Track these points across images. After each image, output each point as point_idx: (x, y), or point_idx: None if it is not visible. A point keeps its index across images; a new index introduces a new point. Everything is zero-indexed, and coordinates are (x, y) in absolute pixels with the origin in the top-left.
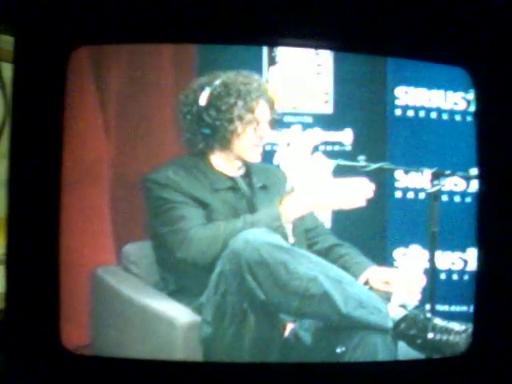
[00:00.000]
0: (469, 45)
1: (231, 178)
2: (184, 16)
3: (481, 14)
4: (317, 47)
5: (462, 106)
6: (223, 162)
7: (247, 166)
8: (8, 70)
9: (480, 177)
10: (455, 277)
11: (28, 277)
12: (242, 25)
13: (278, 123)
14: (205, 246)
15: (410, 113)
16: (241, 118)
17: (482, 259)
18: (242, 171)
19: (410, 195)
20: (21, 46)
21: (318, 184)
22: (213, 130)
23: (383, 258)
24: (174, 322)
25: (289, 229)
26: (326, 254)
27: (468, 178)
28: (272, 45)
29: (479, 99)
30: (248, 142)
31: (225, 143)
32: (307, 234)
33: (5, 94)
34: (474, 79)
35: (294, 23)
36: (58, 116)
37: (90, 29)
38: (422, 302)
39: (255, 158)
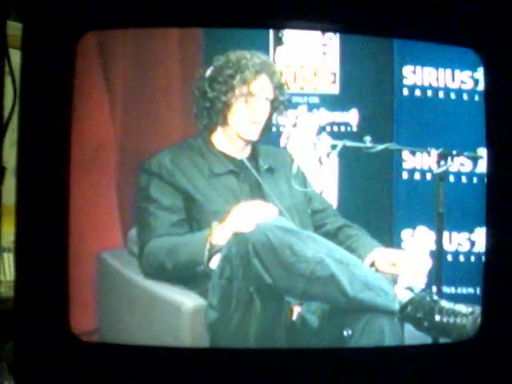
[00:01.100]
0: (478, 25)
1: (234, 160)
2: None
3: None
4: (323, 30)
5: (469, 84)
6: (225, 142)
7: (253, 147)
8: (16, 56)
9: (488, 157)
10: (462, 258)
11: (37, 264)
12: (248, 8)
13: (284, 106)
14: (161, 258)
15: (418, 92)
16: (233, 89)
17: (490, 240)
18: (247, 153)
19: (417, 176)
20: (29, 32)
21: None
22: (211, 102)
23: (390, 240)
24: (180, 306)
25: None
26: (334, 235)
27: (475, 159)
28: (278, 27)
29: (488, 79)
30: (242, 116)
31: (220, 117)
32: (315, 216)
33: (13, 80)
34: (483, 60)
35: (300, 5)
36: (66, 102)
37: (97, 14)
38: (429, 284)
39: (252, 135)
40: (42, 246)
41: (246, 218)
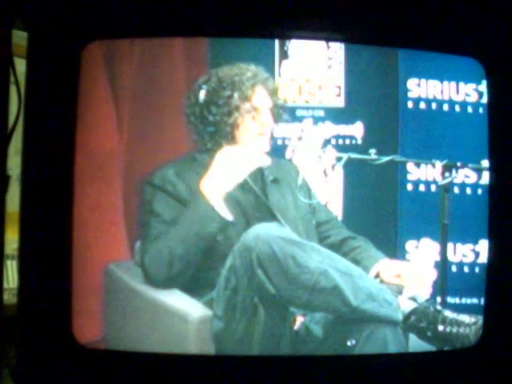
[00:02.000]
0: (482, 35)
1: None
2: (196, 9)
3: (493, 5)
4: (328, 40)
5: (474, 97)
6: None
7: None
8: (22, 65)
9: (491, 169)
10: (466, 269)
11: (40, 272)
12: (254, 17)
13: (283, 110)
14: (167, 252)
15: (422, 105)
16: (238, 109)
17: (493, 252)
18: None
19: (422, 188)
20: (34, 41)
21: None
22: (215, 126)
23: (395, 251)
24: (186, 316)
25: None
26: (338, 246)
27: (479, 170)
28: (283, 37)
29: (491, 90)
30: (250, 131)
31: (229, 137)
32: (319, 227)
33: (18, 88)
34: (486, 70)
35: (306, 15)
36: (71, 111)
37: (102, 23)
38: (433, 295)
39: (263, 147)
40: (46, 253)
41: (230, 162)
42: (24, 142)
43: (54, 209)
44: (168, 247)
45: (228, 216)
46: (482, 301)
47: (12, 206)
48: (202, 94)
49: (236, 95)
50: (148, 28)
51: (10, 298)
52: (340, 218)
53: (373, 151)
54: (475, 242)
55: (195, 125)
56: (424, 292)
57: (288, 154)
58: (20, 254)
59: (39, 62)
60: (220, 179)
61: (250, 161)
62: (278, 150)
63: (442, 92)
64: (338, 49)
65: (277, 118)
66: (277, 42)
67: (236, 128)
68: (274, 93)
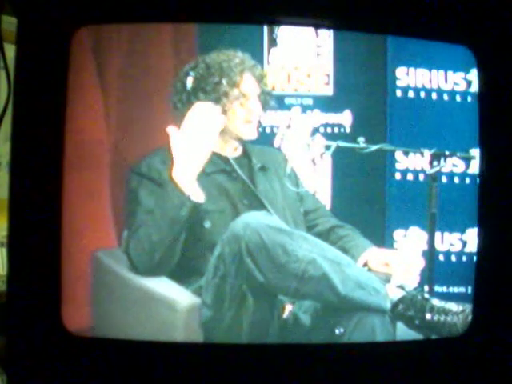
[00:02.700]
0: (473, 22)
1: (226, 159)
2: None
3: None
4: (316, 25)
5: (462, 86)
6: (219, 143)
7: (246, 147)
8: (11, 51)
9: (480, 157)
10: (454, 258)
11: (30, 259)
12: (241, 3)
13: (270, 97)
14: (139, 256)
15: (411, 94)
16: (226, 95)
17: (481, 240)
18: (239, 152)
19: (410, 177)
20: (23, 26)
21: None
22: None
23: (383, 240)
24: (174, 304)
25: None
26: (326, 235)
27: (468, 159)
28: (271, 23)
29: (482, 78)
30: (238, 118)
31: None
32: (307, 216)
33: (8, 74)
34: (477, 57)
35: (294, 1)
36: (60, 97)
37: (91, 9)
38: (421, 283)
39: (251, 134)
40: (35, 240)
41: (190, 144)
42: (13, 129)
43: (43, 196)
44: (147, 235)
45: (199, 198)
46: (470, 289)
47: (1, 193)
48: (190, 81)
49: (224, 81)
50: (136, 13)
51: (0, 285)
52: (328, 206)
53: (361, 140)
54: (463, 231)
55: (182, 112)
56: (412, 280)
57: (276, 142)
58: (9, 241)
59: (28, 48)
60: (184, 162)
61: (207, 139)
62: (266, 138)
63: (430, 81)
64: (327, 37)
65: (264, 105)
66: (265, 29)
67: (224, 114)
68: (261, 79)
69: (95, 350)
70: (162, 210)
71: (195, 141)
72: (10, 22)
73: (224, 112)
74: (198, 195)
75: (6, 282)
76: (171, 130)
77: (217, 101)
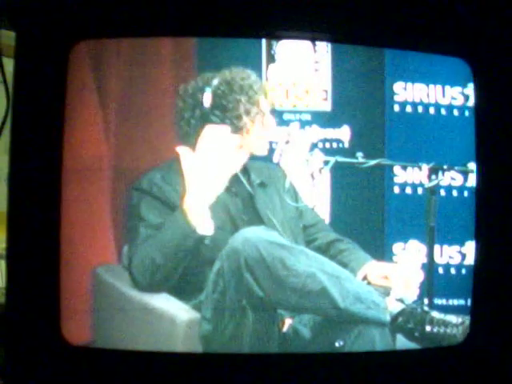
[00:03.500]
0: (470, 36)
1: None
2: (182, 9)
3: (482, 5)
4: (315, 39)
5: (459, 100)
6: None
7: (245, 163)
8: (10, 65)
9: (478, 171)
10: (453, 271)
11: (28, 272)
12: (240, 17)
13: (274, 118)
14: (149, 260)
15: (409, 108)
16: (248, 113)
17: (479, 253)
18: (239, 168)
19: (409, 190)
20: (22, 40)
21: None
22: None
23: (382, 253)
24: (174, 319)
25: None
26: (326, 249)
27: (465, 173)
28: (270, 37)
29: (479, 91)
30: (254, 135)
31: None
32: (306, 230)
33: (7, 89)
34: (474, 71)
35: (292, 14)
36: (58, 111)
37: (90, 23)
38: (420, 296)
39: (263, 150)
40: (34, 253)
41: (206, 176)
42: (12, 143)
43: (43, 209)
44: (150, 255)
45: (206, 231)
46: (469, 302)
47: (0, 206)
48: (207, 97)
49: (244, 99)
50: (135, 28)
51: None
52: (327, 221)
53: (360, 155)
54: (461, 244)
55: (195, 128)
56: (411, 293)
57: (275, 158)
58: (8, 254)
59: (27, 62)
60: (198, 193)
61: (226, 169)
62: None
63: (428, 95)
64: (325, 52)
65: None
66: (264, 45)
67: (245, 132)
68: (268, 97)
69: (94, 361)
70: (168, 235)
71: (213, 170)
72: (9, 36)
73: (240, 130)
74: (206, 227)
75: (4, 294)
76: (184, 152)
77: (238, 118)
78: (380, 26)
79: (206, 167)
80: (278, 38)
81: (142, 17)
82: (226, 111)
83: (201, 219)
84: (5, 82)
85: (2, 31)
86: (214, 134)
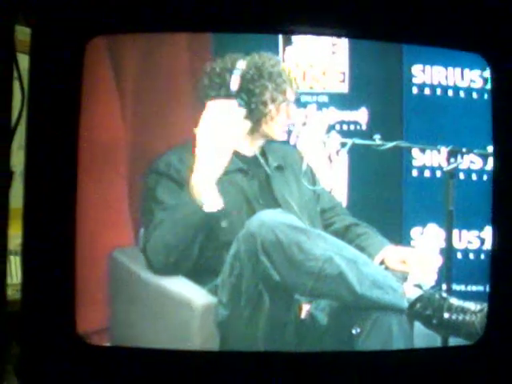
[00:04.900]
0: (484, 30)
1: (243, 158)
2: (198, 4)
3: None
4: (332, 35)
5: (479, 83)
6: (242, 143)
7: (263, 145)
8: (25, 61)
9: (495, 155)
10: (472, 256)
11: (44, 267)
12: (257, 13)
13: (297, 101)
14: (156, 256)
15: (427, 91)
16: (274, 100)
17: (497, 238)
18: (256, 151)
19: (427, 174)
20: (37, 36)
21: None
22: (246, 113)
23: (400, 238)
24: (190, 303)
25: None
26: (343, 233)
27: (485, 156)
28: (286, 33)
29: (495, 82)
30: (277, 122)
31: (257, 126)
32: (324, 214)
33: (22, 85)
34: (490, 63)
35: (309, 11)
36: (74, 106)
37: (106, 18)
38: (439, 282)
39: (282, 136)
40: (49, 248)
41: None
42: (27, 138)
43: (58, 203)
44: (162, 237)
45: (212, 207)
46: (488, 288)
47: (15, 203)
48: (235, 79)
49: (271, 86)
50: (151, 23)
51: (13, 293)
52: (344, 204)
53: (377, 137)
54: (481, 229)
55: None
56: (429, 279)
57: (292, 140)
58: (23, 249)
59: (42, 58)
60: (203, 169)
61: (229, 142)
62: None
63: (446, 78)
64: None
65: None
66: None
67: (270, 119)
68: (291, 85)
69: (109, 357)
70: (177, 213)
71: (219, 144)
72: (24, 32)
73: (270, 117)
74: (212, 203)
75: (20, 290)
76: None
77: (263, 104)
78: (396, 21)
79: (210, 141)
80: (294, 33)
81: (157, 12)
82: (253, 96)
83: (207, 195)
84: (20, 78)
85: (16, 27)
86: (219, 108)
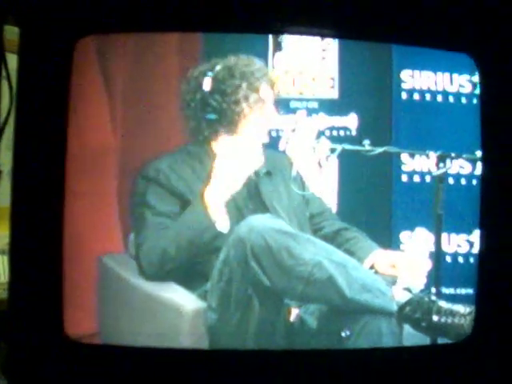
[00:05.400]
0: (474, 31)
1: None
2: (189, 4)
3: (485, 2)
4: (321, 35)
5: (467, 88)
6: (227, 148)
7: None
8: (13, 60)
9: (483, 159)
10: (461, 259)
11: (32, 266)
12: (247, 13)
13: (281, 106)
14: (160, 249)
15: (416, 96)
16: (246, 99)
17: (484, 242)
18: None
19: (416, 178)
20: (26, 36)
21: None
22: (219, 114)
23: (389, 242)
24: (180, 308)
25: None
26: (332, 238)
27: (474, 161)
28: (276, 33)
29: (483, 83)
30: (255, 123)
31: (232, 126)
32: (313, 219)
33: (10, 84)
34: (479, 65)
35: (298, 11)
36: (63, 106)
37: (95, 18)
38: (428, 285)
39: (263, 139)
40: (37, 248)
41: (230, 170)
42: (15, 137)
43: (46, 203)
44: (161, 246)
45: (224, 227)
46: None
47: (3, 201)
48: (207, 81)
49: (244, 85)
50: (141, 23)
51: (1, 292)
52: (334, 209)
53: (367, 142)
54: (469, 233)
55: (194, 111)
56: (418, 282)
57: (282, 146)
58: (11, 249)
59: (31, 57)
60: (222, 186)
61: (251, 165)
62: (271, 142)
63: (435, 83)
64: (331, 40)
65: (277, 112)
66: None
67: (243, 117)
68: (273, 87)
69: (97, 357)
70: (184, 227)
71: (236, 170)
72: (13, 32)
73: (243, 116)
74: (223, 223)
75: (7, 289)
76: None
77: (236, 103)
78: (384, 22)
79: (230, 167)
80: (284, 33)
81: (148, 12)
82: (225, 96)
83: (219, 215)
84: (8, 77)
85: (4, 26)
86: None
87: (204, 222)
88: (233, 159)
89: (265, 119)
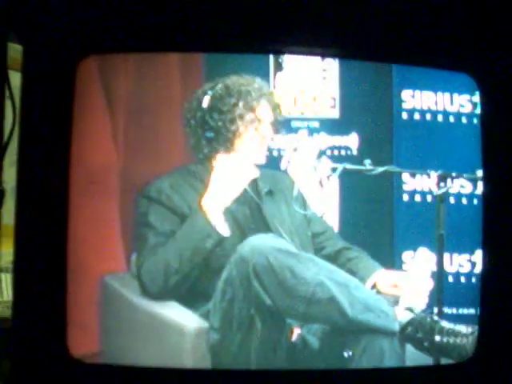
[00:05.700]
0: (473, 51)
1: None
2: (191, 25)
3: (484, 21)
4: (322, 55)
5: (468, 108)
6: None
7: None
8: (16, 78)
9: (484, 179)
10: (463, 279)
11: (35, 285)
12: (248, 33)
13: (282, 126)
14: (163, 264)
15: (417, 116)
16: (241, 117)
17: (487, 261)
18: None
19: (418, 198)
20: (29, 54)
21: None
22: (216, 132)
23: (391, 261)
24: (182, 328)
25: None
26: (334, 257)
27: (475, 180)
28: (277, 53)
29: (483, 102)
30: (251, 142)
31: (228, 145)
32: (315, 238)
33: (13, 102)
34: (479, 84)
35: (300, 32)
36: (66, 125)
37: (98, 38)
38: (430, 305)
39: (260, 159)
40: (41, 267)
41: (229, 177)
42: (19, 155)
43: (50, 221)
44: (164, 261)
45: (225, 232)
46: (479, 311)
47: (6, 219)
48: (206, 100)
49: (241, 104)
50: (143, 43)
51: (4, 311)
52: (336, 228)
53: (368, 162)
54: (471, 252)
55: (194, 129)
56: (421, 302)
57: (283, 165)
58: (15, 267)
59: (34, 76)
60: (219, 194)
61: (247, 174)
62: (273, 162)
63: (436, 103)
64: (332, 60)
65: (276, 132)
66: (271, 54)
67: (237, 136)
68: (275, 108)
69: (99, 376)
70: (185, 238)
71: (234, 179)
72: (16, 50)
73: (238, 135)
74: (223, 228)
75: (11, 307)
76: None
77: (231, 122)
78: (385, 42)
79: (226, 180)
80: (285, 53)
81: (150, 33)
82: (222, 114)
83: (219, 220)
84: (11, 95)
85: (8, 44)
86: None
87: (206, 228)
88: (228, 174)
89: (261, 139)
